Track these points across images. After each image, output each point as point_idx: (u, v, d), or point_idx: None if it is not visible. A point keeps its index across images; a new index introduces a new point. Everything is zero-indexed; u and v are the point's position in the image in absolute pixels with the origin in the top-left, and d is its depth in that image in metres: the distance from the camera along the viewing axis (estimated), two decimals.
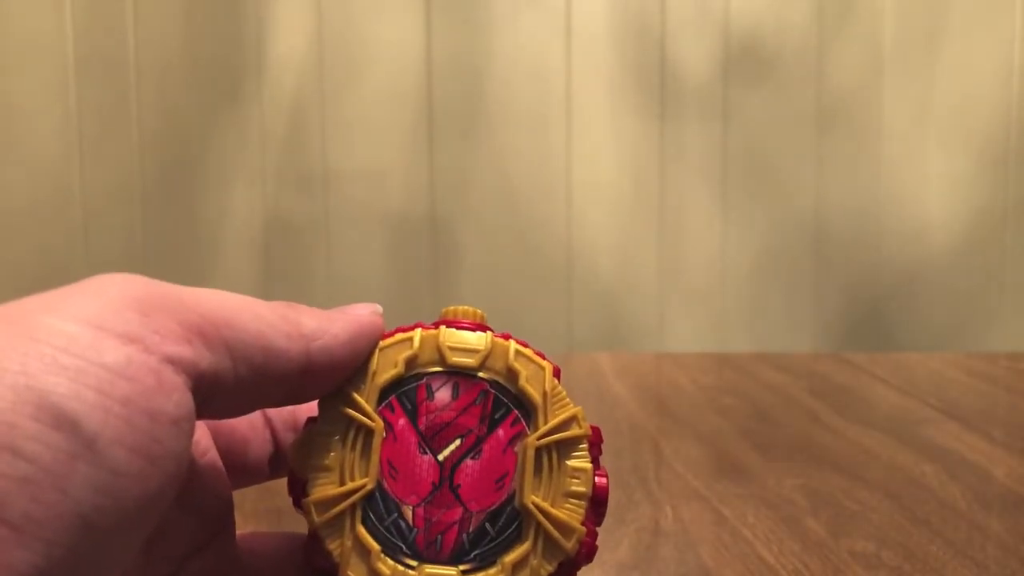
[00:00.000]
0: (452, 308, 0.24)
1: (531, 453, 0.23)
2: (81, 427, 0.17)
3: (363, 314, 0.23)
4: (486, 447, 0.23)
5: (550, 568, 0.22)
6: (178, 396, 0.19)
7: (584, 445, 0.23)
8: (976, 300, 1.04)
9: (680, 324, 1.04)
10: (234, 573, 0.24)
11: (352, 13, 1.00)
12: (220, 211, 1.01)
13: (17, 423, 0.16)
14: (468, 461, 0.23)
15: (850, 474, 0.53)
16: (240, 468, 0.25)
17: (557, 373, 0.24)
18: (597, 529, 0.24)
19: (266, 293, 0.99)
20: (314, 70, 1.00)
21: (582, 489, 0.23)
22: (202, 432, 0.24)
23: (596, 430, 0.24)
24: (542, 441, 0.23)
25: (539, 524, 0.23)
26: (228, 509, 0.24)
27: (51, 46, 0.99)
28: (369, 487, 0.22)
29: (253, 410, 0.23)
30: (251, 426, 0.25)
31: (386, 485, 0.23)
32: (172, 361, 0.19)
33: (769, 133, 1.02)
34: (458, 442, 0.23)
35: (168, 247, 1.01)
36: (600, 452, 0.24)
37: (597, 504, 0.24)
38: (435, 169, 1.01)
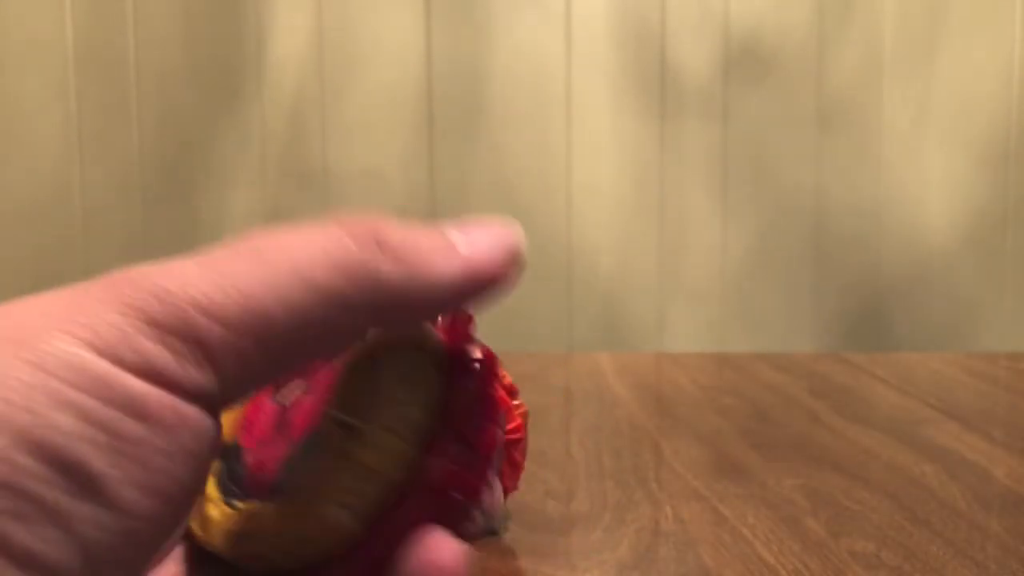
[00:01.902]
0: None
1: (341, 367, 0.21)
2: (87, 469, 0.16)
3: (483, 250, 0.19)
4: (319, 380, 0.22)
5: (347, 480, 0.20)
6: (197, 427, 0.17)
7: (409, 350, 0.20)
8: (976, 300, 1.04)
9: (680, 324, 1.03)
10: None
11: (352, 13, 1.00)
12: (220, 211, 1.01)
13: (18, 461, 0.15)
14: (304, 398, 0.22)
15: (850, 474, 0.53)
16: None
17: None
18: (452, 449, 0.20)
19: None
20: (314, 70, 1.00)
21: (389, 392, 0.20)
22: None
23: (452, 346, 0.21)
24: (353, 352, 0.21)
25: (334, 438, 0.20)
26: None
27: (51, 46, 0.98)
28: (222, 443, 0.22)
29: None
30: None
31: (239, 438, 0.22)
32: (192, 393, 0.17)
33: (769, 133, 1.02)
34: (301, 384, 0.22)
35: (168, 247, 1.01)
36: (472, 369, 0.21)
37: (455, 422, 0.20)
38: (435, 169, 1.01)
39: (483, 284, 0.19)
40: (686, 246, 1.03)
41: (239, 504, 0.21)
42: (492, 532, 0.45)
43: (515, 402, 0.44)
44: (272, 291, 0.18)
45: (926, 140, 1.02)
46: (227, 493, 0.22)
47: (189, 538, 0.23)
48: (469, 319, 0.22)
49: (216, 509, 0.21)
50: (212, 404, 0.18)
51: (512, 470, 0.44)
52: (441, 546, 0.19)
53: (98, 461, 0.16)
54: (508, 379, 0.44)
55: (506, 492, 0.44)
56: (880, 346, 1.03)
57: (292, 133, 1.01)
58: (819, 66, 1.01)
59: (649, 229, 1.03)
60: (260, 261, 0.18)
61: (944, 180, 1.03)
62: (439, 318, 0.21)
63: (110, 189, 1.00)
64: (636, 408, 0.68)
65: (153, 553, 0.18)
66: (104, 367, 0.16)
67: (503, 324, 1.01)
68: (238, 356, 0.17)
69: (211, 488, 0.22)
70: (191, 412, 0.17)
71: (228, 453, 0.22)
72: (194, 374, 0.17)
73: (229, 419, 0.23)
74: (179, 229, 1.01)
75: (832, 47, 1.01)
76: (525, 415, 0.44)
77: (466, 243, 0.19)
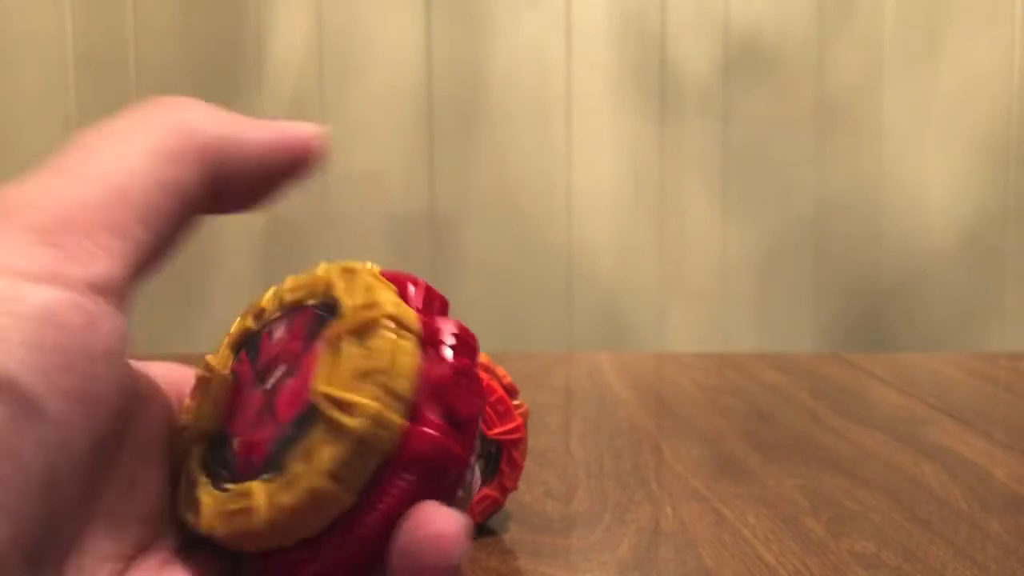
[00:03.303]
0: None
1: (324, 345, 0.21)
2: (19, 388, 0.16)
3: (290, 128, 0.22)
4: (303, 362, 0.22)
5: (337, 451, 0.20)
6: (108, 324, 0.18)
7: (389, 325, 0.21)
8: (976, 300, 1.04)
9: (680, 324, 1.03)
10: (185, 565, 0.23)
11: (352, 13, 1.00)
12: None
13: None
14: (288, 380, 0.22)
15: (850, 474, 0.53)
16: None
17: (396, 280, 0.23)
18: (453, 429, 0.20)
19: None
20: (314, 70, 1.00)
21: (373, 365, 0.20)
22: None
23: (429, 322, 0.21)
24: (334, 330, 0.21)
25: (322, 411, 0.20)
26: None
27: (51, 46, 0.98)
28: (204, 428, 0.23)
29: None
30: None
31: (226, 427, 0.23)
32: (96, 288, 0.18)
33: (769, 133, 1.02)
34: (283, 368, 0.22)
35: None
36: (451, 343, 0.21)
37: (438, 393, 0.20)
38: (435, 169, 1.01)
39: (296, 149, 0.22)
40: (686, 246, 1.03)
41: (231, 487, 0.21)
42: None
43: (515, 402, 0.44)
44: (117, 163, 0.19)
45: (926, 140, 1.02)
46: (218, 478, 0.22)
47: (172, 536, 0.23)
48: (442, 300, 0.23)
49: (207, 495, 0.22)
50: (116, 295, 0.18)
51: (512, 470, 0.44)
52: (437, 517, 0.19)
53: (26, 377, 0.16)
54: (508, 379, 0.44)
55: (506, 492, 0.44)
56: (880, 346, 1.03)
57: None
58: (819, 66, 1.01)
59: (649, 229, 1.03)
60: (91, 150, 0.19)
61: (944, 180, 1.03)
62: (412, 295, 0.22)
63: None
64: (636, 408, 0.68)
65: (97, 466, 0.18)
66: (7, 282, 0.16)
67: (503, 324, 1.01)
68: (116, 232, 0.18)
69: (197, 473, 0.22)
70: (99, 307, 0.17)
71: (213, 441, 0.23)
72: (92, 267, 0.18)
73: (208, 407, 0.23)
74: None
75: (832, 47, 1.01)
76: (525, 415, 0.44)
77: (274, 123, 0.22)
